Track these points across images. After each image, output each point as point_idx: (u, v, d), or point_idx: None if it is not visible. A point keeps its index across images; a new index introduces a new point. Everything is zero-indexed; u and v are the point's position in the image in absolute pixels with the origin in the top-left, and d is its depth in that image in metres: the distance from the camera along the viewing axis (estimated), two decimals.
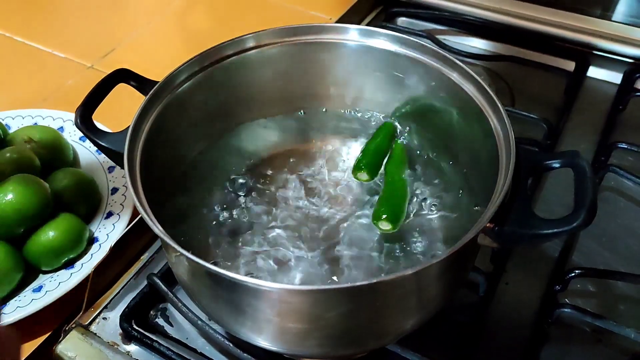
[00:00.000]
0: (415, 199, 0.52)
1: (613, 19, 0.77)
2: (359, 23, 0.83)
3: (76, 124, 0.46)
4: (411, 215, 0.51)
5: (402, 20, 0.84)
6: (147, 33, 0.86)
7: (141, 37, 0.85)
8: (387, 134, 0.55)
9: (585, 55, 0.74)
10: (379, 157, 0.53)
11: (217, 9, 0.91)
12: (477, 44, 0.80)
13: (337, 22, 0.78)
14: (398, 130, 0.56)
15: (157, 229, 0.37)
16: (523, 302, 0.51)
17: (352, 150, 0.57)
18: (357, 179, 0.53)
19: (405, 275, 0.36)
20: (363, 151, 0.54)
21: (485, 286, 0.51)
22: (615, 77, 0.73)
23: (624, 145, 0.62)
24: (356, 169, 0.53)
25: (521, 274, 0.53)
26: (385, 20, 0.82)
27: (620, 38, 0.74)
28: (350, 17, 0.81)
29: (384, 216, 0.48)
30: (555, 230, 0.37)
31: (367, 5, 0.85)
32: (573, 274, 0.51)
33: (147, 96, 0.46)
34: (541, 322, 0.49)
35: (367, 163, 0.53)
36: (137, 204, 0.39)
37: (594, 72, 0.74)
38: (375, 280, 0.35)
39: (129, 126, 0.44)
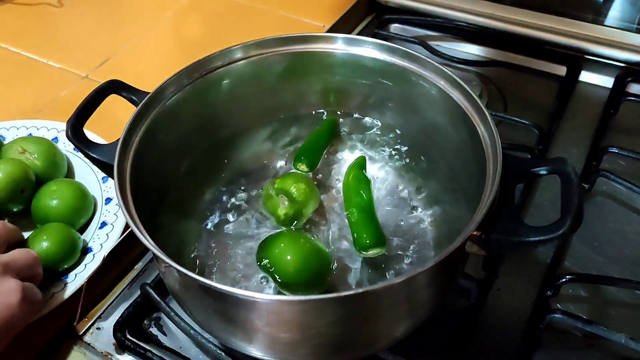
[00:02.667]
0: (404, 207, 0.52)
1: (605, 23, 0.77)
2: (351, 30, 0.84)
3: (67, 136, 0.46)
4: (401, 223, 0.51)
5: (394, 27, 0.84)
6: (142, 43, 0.87)
7: (136, 47, 0.86)
8: (329, 129, 0.57)
9: (577, 59, 0.74)
10: (318, 150, 0.55)
11: (212, 18, 0.92)
12: (469, 50, 0.80)
13: (330, 29, 0.79)
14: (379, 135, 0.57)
15: (146, 240, 0.38)
16: (515, 308, 0.51)
17: (343, 159, 0.57)
18: (297, 169, 0.54)
19: (393, 284, 0.36)
20: (304, 144, 0.56)
21: (477, 292, 0.51)
22: (607, 81, 0.73)
23: (615, 150, 0.62)
24: (296, 160, 0.54)
25: (513, 280, 0.54)
26: (377, 27, 0.83)
27: (612, 42, 0.74)
28: (343, 24, 0.81)
29: (368, 242, 0.48)
30: (542, 237, 0.37)
31: (360, 13, 0.85)
32: (564, 280, 0.51)
33: (137, 108, 0.46)
34: (533, 327, 0.50)
35: (307, 155, 0.54)
36: (127, 217, 0.39)
37: (585, 76, 0.74)
38: (362, 290, 0.35)
39: (119, 138, 0.44)
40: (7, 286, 0.44)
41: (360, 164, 0.54)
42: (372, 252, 0.48)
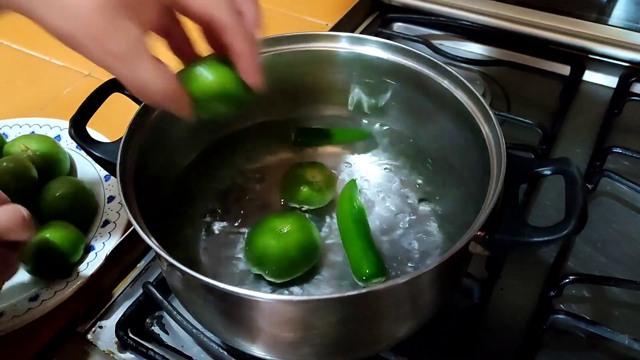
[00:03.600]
0: (407, 206, 0.52)
1: (609, 23, 0.77)
2: (355, 29, 0.83)
3: (70, 134, 0.46)
4: (404, 223, 0.51)
5: (398, 26, 0.84)
6: None
7: None
8: (350, 132, 0.58)
9: (580, 59, 0.74)
10: (316, 136, 0.58)
11: None
12: (473, 49, 0.80)
13: (333, 28, 0.79)
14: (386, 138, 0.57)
15: (149, 239, 0.38)
16: (518, 308, 0.51)
17: (346, 158, 0.57)
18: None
19: (396, 285, 0.36)
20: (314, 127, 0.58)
21: (480, 292, 0.51)
22: (611, 81, 0.73)
23: (619, 150, 0.62)
24: (294, 130, 0.57)
25: (516, 280, 0.53)
26: (381, 26, 0.83)
27: (616, 42, 0.74)
28: (347, 23, 0.81)
29: (368, 272, 0.46)
30: (546, 238, 0.37)
31: (363, 11, 0.85)
32: (568, 280, 0.51)
33: (140, 106, 0.46)
34: (536, 328, 0.49)
35: (302, 132, 0.57)
36: (129, 215, 0.39)
37: (589, 76, 0.74)
38: (365, 290, 0.35)
39: (122, 136, 0.44)
40: None
41: (352, 187, 0.52)
42: (372, 282, 0.46)
